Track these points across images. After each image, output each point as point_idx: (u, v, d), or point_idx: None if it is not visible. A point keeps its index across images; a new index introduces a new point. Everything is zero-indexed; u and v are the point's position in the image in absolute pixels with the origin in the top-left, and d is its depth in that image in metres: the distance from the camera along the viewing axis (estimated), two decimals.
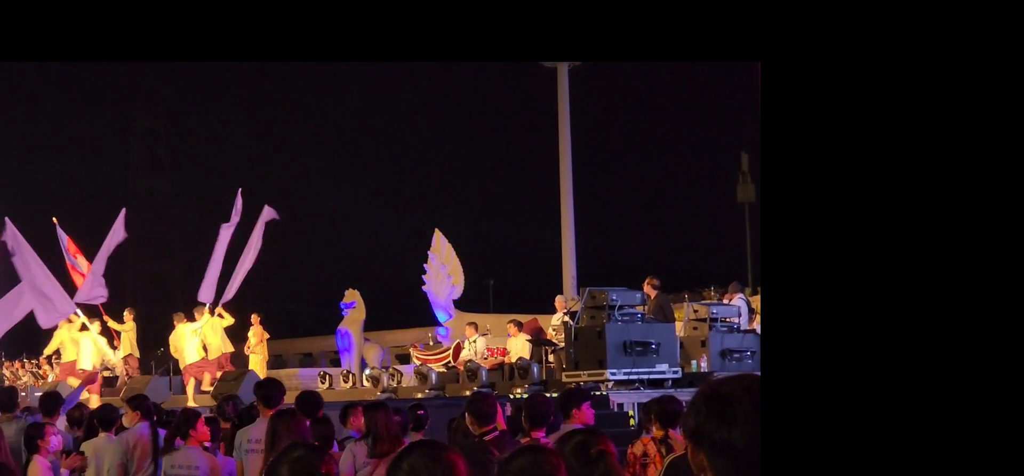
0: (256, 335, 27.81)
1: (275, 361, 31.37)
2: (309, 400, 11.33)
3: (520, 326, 23.97)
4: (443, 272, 29.53)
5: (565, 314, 22.76)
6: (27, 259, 24.85)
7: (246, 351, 27.96)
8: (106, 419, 12.21)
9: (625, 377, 19.70)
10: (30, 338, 31.01)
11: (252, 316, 27.99)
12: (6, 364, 29.89)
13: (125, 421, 12.01)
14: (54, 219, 26.90)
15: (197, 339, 26.29)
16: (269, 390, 10.91)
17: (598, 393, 18.99)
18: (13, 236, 24.91)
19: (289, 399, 11.77)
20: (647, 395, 16.79)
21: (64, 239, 26.98)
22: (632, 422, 17.73)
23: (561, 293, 28.96)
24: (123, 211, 26.66)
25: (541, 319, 24.86)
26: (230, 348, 26.75)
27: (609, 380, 19.63)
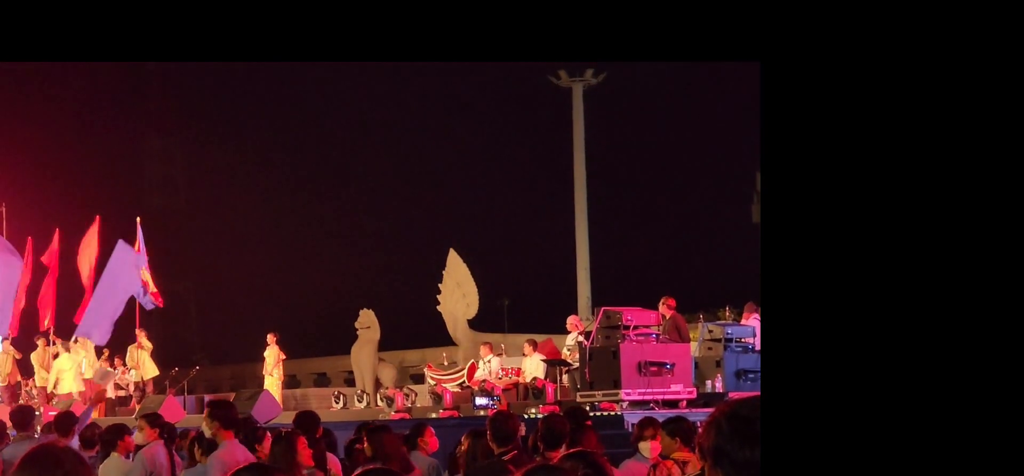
0: (273, 356, 27.68)
1: (289, 381, 31.30)
2: (308, 419, 11.29)
3: (535, 345, 23.94)
4: (458, 292, 29.54)
5: (580, 334, 22.74)
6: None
7: (263, 372, 27.85)
8: (114, 439, 12.17)
9: (640, 397, 19.65)
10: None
11: (268, 336, 27.82)
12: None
13: (139, 438, 11.88)
14: (138, 219, 26.88)
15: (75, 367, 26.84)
16: (225, 411, 10.07)
17: (610, 414, 18.96)
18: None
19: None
20: (661, 416, 16.74)
21: (142, 244, 26.80)
22: None
23: (575, 313, 28.92)
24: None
25: (556, 338, 24.84)
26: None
27: (623, 400, 19.58)
